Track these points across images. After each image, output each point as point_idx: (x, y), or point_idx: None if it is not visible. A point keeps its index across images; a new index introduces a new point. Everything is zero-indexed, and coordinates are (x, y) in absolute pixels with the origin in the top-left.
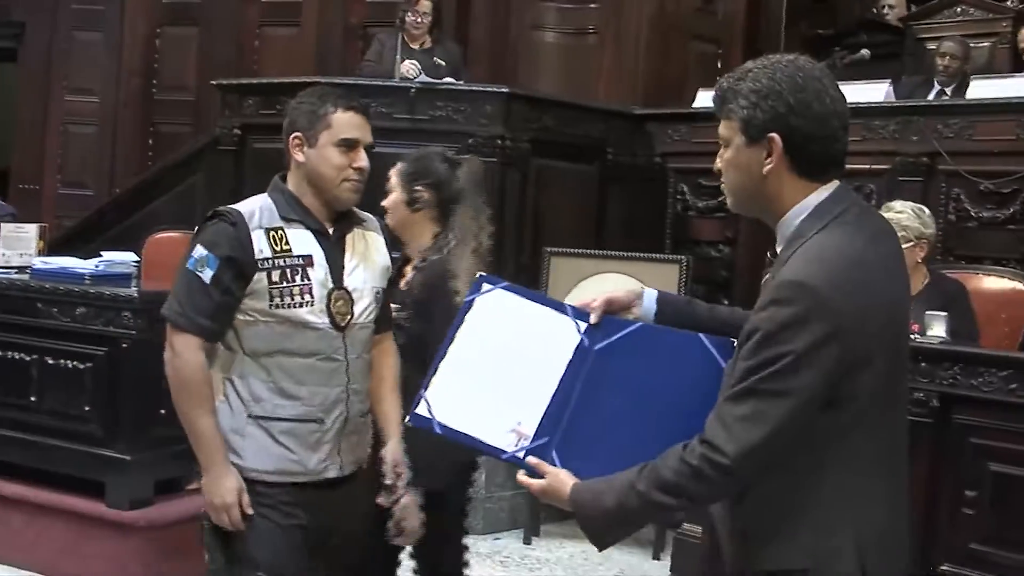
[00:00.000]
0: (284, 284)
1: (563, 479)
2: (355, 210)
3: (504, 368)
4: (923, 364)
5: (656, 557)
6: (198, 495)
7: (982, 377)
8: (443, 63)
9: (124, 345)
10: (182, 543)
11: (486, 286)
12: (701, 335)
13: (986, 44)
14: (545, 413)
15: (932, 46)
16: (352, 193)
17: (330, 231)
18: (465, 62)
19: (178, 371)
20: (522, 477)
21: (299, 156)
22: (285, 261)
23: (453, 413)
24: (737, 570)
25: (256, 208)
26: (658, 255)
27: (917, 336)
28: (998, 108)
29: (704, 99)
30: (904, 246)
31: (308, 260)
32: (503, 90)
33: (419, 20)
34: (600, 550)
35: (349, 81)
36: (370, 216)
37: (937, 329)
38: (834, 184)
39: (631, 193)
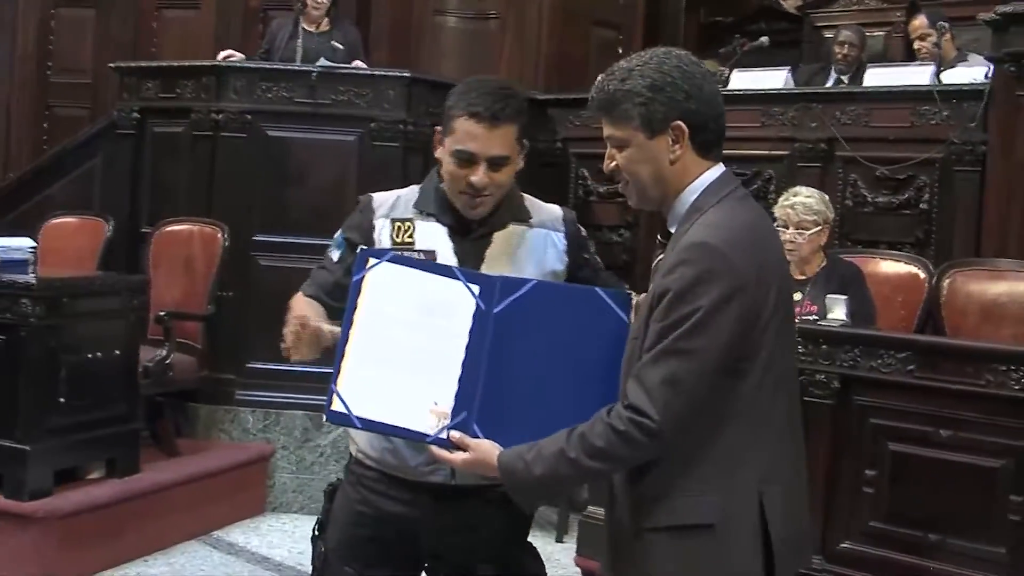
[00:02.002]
0: None
1: (488, 449)
2: (526, 202)
3: (408, 346)
4: (824, 346)
5: (560, 540)
6: (99, 484)
7: (881, 359)
8: (341, 46)
9: (22, 333)
10: (83, 534)
11: (371, 261)
12: (596, 288)
13: (880, 33)
14: (458, 387)
15: (829, 34)
16: (469, 208)
17: (472, 228)
18: (366, 46)
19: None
20: (441, 452)
21: (437, 152)
22: (403, 254)
23: (368, 404)
24: (634, 529)
25: (395, 196)
26: None
27: (816, 317)
28: (894, 96)
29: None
30: (812, 230)
31: (430, 256)
32: (405, 74)
33: (318, 2)
34: (529, 513)
35: (250, 65)
36: (548, 210)
37: (838, 312)
38: (721, 166)
39: (532, 178)
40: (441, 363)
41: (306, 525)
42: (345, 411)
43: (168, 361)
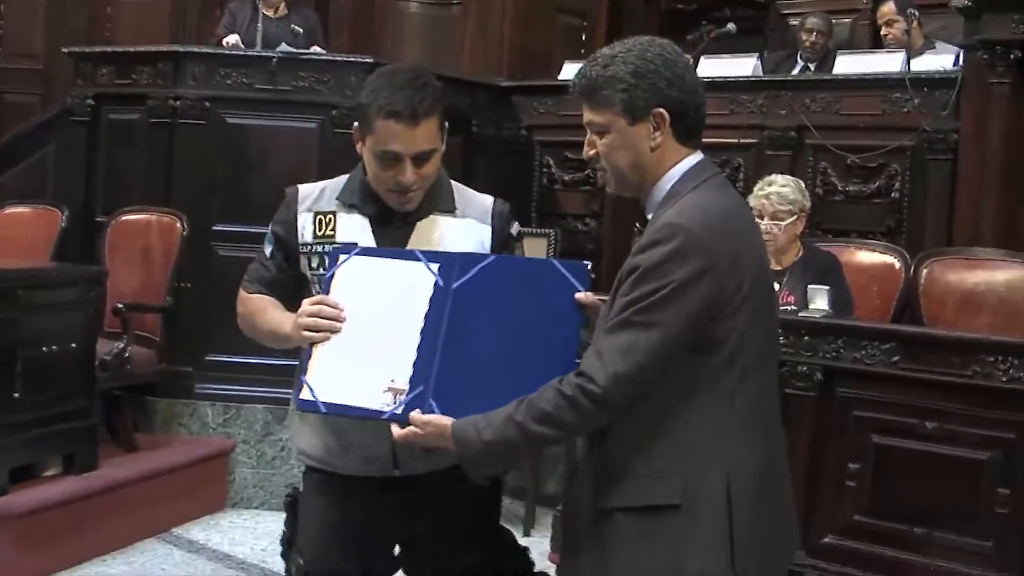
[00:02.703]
0: (321, 271)
1: (440, 421)
2: (454, 192)
3: (372, 331)
4: (806, 337)
5: (527, 534)
6: (56, 482)
7: (864, 350)
8: (301, 30)
9: None
10: (40, 533)
11: (341, 257)
12: (554, 260)
13: (847, 20)
14: (415, 363)
15: (795, 22)
16: (400, 205)
17: (395, 218)
18: (326, 31)
19: (241, 317)
20: (398, 431)
21: (359, 148)
22: (324, 247)
23: (333, 389)
24: (594, 508)
25: (319, 188)
26: (525, 229)
27: (794, 308)
28: (864, 83)
29: (571, 72)
30: (788, 220)
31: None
32: (368, 60)
33: None
34: (478, 483)
35: (208, 50)
36: (478, 202)
37: (819, 302)
38: (699, 153)
39: (497, 166)
40: (400, 342)
41: (268, 521)
42: (313, 398)
43: (126, 354)
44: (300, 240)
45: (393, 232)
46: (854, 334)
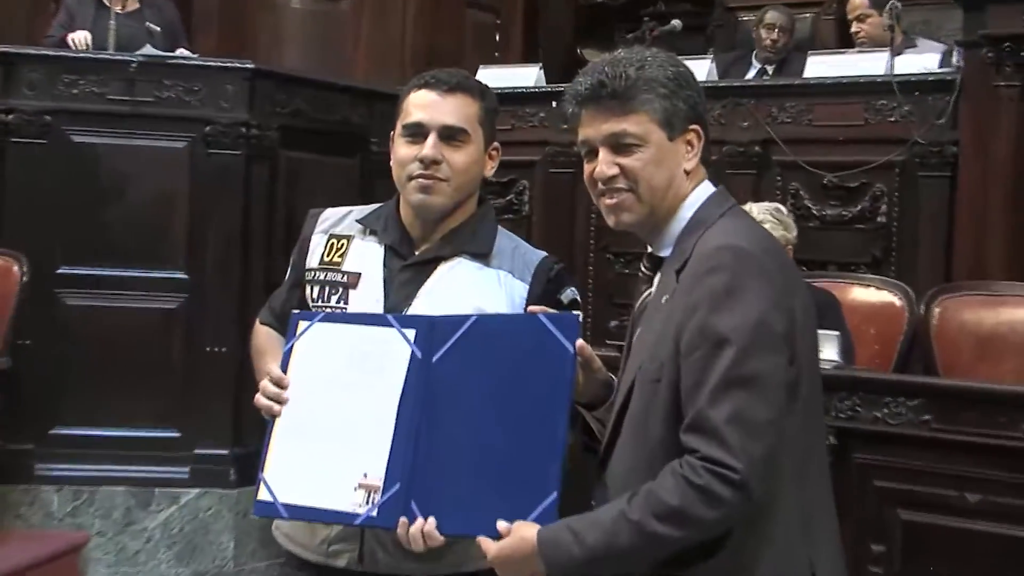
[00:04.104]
0: (320, 303)
1: (523, 529)
2: (497, 237)
3: (339, 414)
4: None
5: None
6: None
7: (887, 407)
8: (157, 28)
9: None
10: None
11: (302, 325)
12: (540, 315)
13: (808, 15)
14: (390, 454)
15: (746, 17)
16: (419, 193)
17: (418, 251)
18: (189, 30)
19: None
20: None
21: (392, 153)
22: (327, 275)
23: (294, 488)
24: None
25: (345, 211)
26: None
27: None
28: (843, 88)
29: (488, 76)
30: None
31: (353, 279)
32: (247, 65)
33: None
34: None
35: (49, 52)
36: (521, 253)
37: (827, 351)
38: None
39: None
40: (372, 427)
41: None
42: (271, 499)
43: None
44: (308, 264)
45: (411, 268)
46: (873, 388)
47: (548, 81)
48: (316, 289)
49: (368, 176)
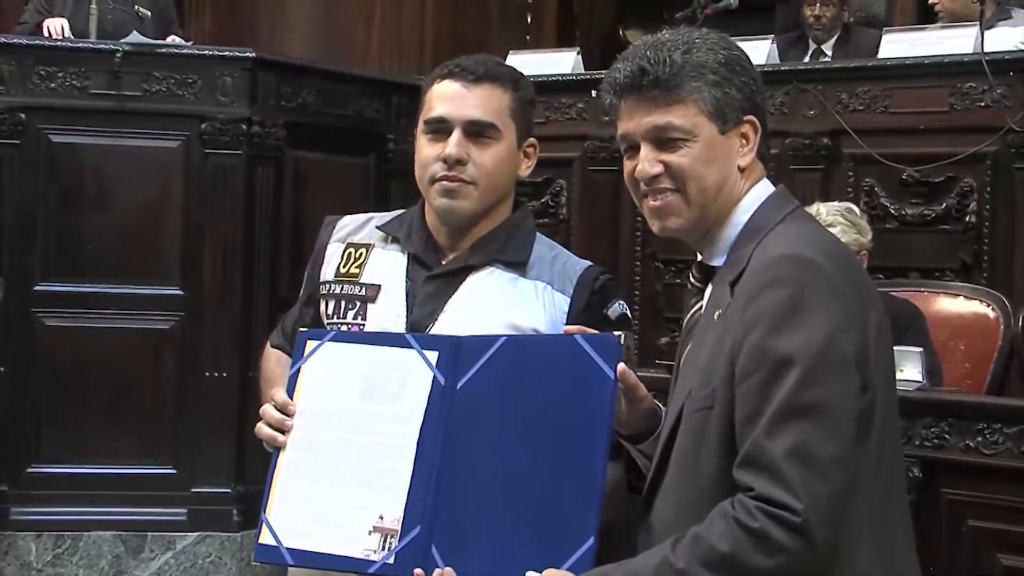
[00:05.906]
0: (336, 319)
1: None
2: (535, 244)
3: (350, 446)
4: None
5: None
6: None
7: (982, 435)
8: (148, 13)
9: None
10: None
11: (311, 345)
12: (577, 336)
13: None
14: (409, 493)
15: None
16: (442, 197)
17: (445, 260)
18: (182, 15)
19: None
20: None
21: (417, 150)
22: (343, 288)
23: (301, 531)
24: None
25: (364, 218)
26: None
27: None
28: (923, 70)
29: (518, 63)
30: None
31: (372, 292)
32: (247, 54)
33: None
34: None
35: (23, 41)
36: (562, 262)
37: (909, 371)
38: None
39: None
40: (389, 463)
41: None
42: (275, 542)
43: None
44: (322, 276)
45: (438, 280)
46: (964, 413)
47: (586, 68)
48: (331, 304)
49: (384, 178)
